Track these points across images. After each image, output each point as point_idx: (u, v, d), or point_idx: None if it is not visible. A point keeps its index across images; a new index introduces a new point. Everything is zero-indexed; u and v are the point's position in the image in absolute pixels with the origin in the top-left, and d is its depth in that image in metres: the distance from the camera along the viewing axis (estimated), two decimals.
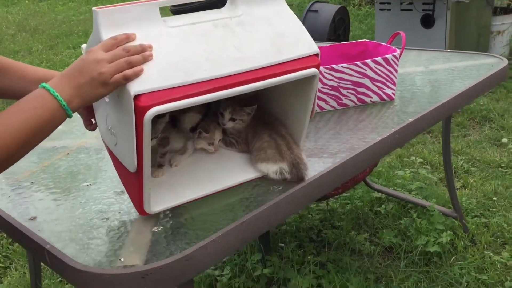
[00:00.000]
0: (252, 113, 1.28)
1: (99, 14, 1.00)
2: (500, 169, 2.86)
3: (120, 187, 1.26)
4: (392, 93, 1.72)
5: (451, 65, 2.04)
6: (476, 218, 2.41)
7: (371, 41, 1.89)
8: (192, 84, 1.00)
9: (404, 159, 3.04)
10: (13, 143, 0.91)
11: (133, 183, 1.12)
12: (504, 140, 3.15)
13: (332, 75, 1.63)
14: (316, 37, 4.86)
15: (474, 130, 3.44)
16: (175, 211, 1.17)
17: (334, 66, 1.62)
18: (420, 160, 2.95)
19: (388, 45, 1.81)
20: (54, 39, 7.26)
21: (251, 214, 1.11)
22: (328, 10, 4.99)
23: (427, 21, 3.96)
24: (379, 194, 2.60)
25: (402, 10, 4.09)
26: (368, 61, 1.64)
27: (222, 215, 1.13)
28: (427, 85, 1.85)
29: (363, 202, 2.56)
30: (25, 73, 1.19)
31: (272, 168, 1.21)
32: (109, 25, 1.00)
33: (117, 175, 1.23)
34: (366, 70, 1.65)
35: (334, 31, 4.97)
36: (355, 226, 2.42)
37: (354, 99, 1.69)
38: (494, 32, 4.59)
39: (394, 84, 1.71)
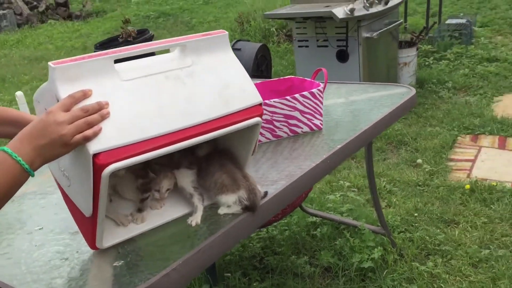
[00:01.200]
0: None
1: (56, 70, 1.03)
2: (418, 187, 3.13)
3: (74, 227, 1.30)
4: (320, 123, 1.89)
5: (368, 95, 2.26)
6: (401, 233, 2.62)
7: (297, 77, 2.07)
8: (147, 140, 1.06)
9: (333, 183, 3.24)
10: None
11: (85, 221, 1.18)
12: (419, 161, 3.46)
13: (266, 110, 1.78)
14: None
15: (392, 153, 3.73)
16: (132, 245, 1.24)
17: (267, 101, 1.77)
18: (348, 183, 3.16)
19: (312, 80, 1.99)
20: None
21: (206, 241, 1.20)
22: (250, 48, 5.23)
23: (342, 56, 4.28)
24: (314, 219, 2.75)
25: (318, 46, 4.40)
26: (296, 95, 1.81)
27: (179, 244, 1.21)
28: (349, 114, 2.04)
29: (300, 227, 2.71)
30: None
31: (231, 198, 1.29)
32: (65, 80, 1.04)
33: (69, 216, 1.27)
34: (295, 104, 1.81)
35: (257, 67, 5.21)
36: (295, 250, 2.55)
37: (287, 130, 1.85)
38: (401, 64, 5.03)
39: (321, 115, 1.88)
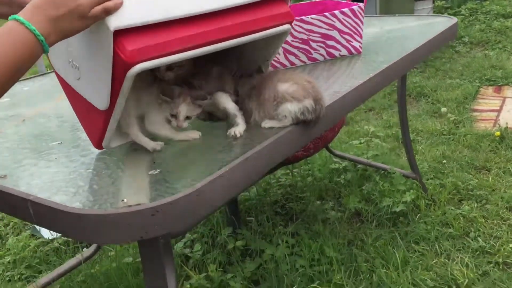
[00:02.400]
0: (203, 105, 1.14)
1: None
2: (443, 136, 2.98)
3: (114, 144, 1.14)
4: (359, 46, 1.71)
5: (405, 24, 2.08)
6: (431, 180, 2.47)
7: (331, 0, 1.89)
8: (177, 39, 0.94)
9: (357, 129, 3.09)
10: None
11: (94, 118, 1.05)
12: (444, 109, 3.29)
13: (302, 27, 1.60)
14: None
15: (411, 105, 3.56)
16: (168, 154, 1.07)
17: (304, 17, 1.59)
18: (372, 129, 3.00)
19: (348, 1, 1.81)
20: None
21: (254, 150, 1.04)
22: None
23: None
24: (337, 165, 2.60)
25: None
26: (336, 12, 1.63)
27: (220, 154, 1.05)
28: (388, 41, 1.86)
29: (323, 173, 2.56)
30: None
31: (294, 108, 1.10)
32: None
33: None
34: (334, 22, 1.63)
35: None
36: (319, 196, 2.40)
37: (324, 52, 1.67)
38: None
39: (360, 36, 1.70)
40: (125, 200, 0.89)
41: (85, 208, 0.87)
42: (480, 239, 2.01)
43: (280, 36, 1.14)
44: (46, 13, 0.85)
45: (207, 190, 0.92)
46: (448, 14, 5.48)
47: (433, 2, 4.97)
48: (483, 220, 2.14)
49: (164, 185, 0.94)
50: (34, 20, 0.84)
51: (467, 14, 5.40)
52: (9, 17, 0.85)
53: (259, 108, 1.16)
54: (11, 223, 2.41)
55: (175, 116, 1.09)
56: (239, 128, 1.13)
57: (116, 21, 0.88)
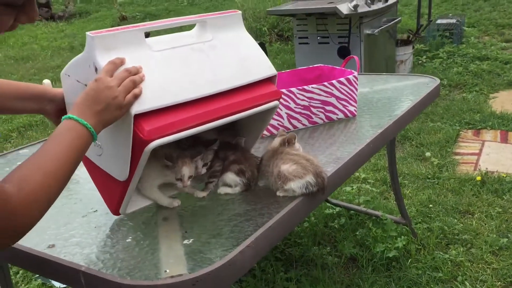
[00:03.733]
0: (215, 147, 1.37)
1: (95, 39, 1.09)
2: (428, 180, 3.16)
3: (129, 210, 1.28)
4: (354, 109, 1.89)
5: (392, 85, 2.27)
6: (419, 224, 2.64)
7: (326, 65, 2.07)
8: (186, 118, 1.12)
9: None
10: (61, 173, 0.94)
11: (112, 188, 1.22)
12: (428, 154, 3.49)
13: (304, 96, 1.77)
14: None
15: (397, 148, 3.75)
16: (197, 224, 1.21)
17: (305, 87, 1.77)
18: (364, 175, 3.17)
19: (343, 68, 2.00)
20: None
21: (275, 219, 1.19)
22: None
23: (343, 53, 4.31)
24: (331, 211, 2.75)
25: (319, 43, 4.42)
26: (334, 81, 1.81)
27: (245, 224, 1.19)
28: (378, 103, 2.05)
29: (318, 219, 2.70)
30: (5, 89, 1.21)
31: (298, 184, 1.26)
32: (102, 48, 1.10)
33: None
34: (332, 90, 1.81)
35: None
36: (315, 241, 2.54)
37: (323, 116, 1.84)
38: (398, 62, 5.10)
39: (355, 101, 1.89)
40: (168, 271, 1.03)
41: (135, 280, 1.00)
42: (467, 283, 2.16)
43: (271, 110, 1.34)
44: (92, 109, 1.02)
45: (237, 259, 1.06)
46: (427, 57, 5.79)
47: (413, 47, 5.25)
48: (469, 264, 2.30)
49: (199, 255, 1.08)
50: (84, 116, 1.01)
51: (445, 57, 5.70)
52: (63, 117, 1.01)
53: (272, 179, 1.33)
54: (20, 272, 2.49)
55: (180, 179, 1.27)
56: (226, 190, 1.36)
57: (135, 107, 1.06)
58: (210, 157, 1.36)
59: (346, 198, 2.89)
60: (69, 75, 1.20)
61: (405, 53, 5.09)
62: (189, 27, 1.28)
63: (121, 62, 1.09)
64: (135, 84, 1.06)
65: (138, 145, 1.08)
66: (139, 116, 1.07)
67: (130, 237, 1.18)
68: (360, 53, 4.26)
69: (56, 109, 1.25)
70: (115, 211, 1.26)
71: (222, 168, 1.38)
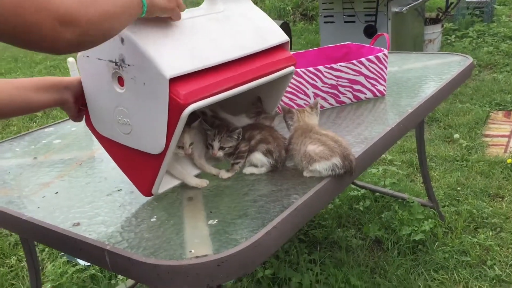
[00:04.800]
0: (240, 136, 1.32)
1: None
2: (456, 162, 3.09)
3: (161, 190, 1.27)
4: (384, 89, 1.83)
5: (423, 63, 2.20)
6: (446, 207, 2.58)
7: (354, 43, 2.01)
8: (218, 81, 1.13)
9: None
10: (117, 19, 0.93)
11: (144, 166, 1.20)
12: (456, 136, 3.40)
13: (332, 74, 1.72)
14: None
15: (424, 130, 3.67)
16: (221, 204, 1.19)
17: (333, 65, 1.71)
18: (390, 157, 3.11)
19: (371, 46, 1.93)
20: None
21: (301, 200, 1.15)
22: None
23: (370, 31, 4.21)
24: (356, 192, 2.71)
25: (345, 22, 4.32)
26: (362, 59, 1.75)
27: (271, 204, 1.16)
28: (408, 82, 1.98)
29: (342, 201, 2.67)
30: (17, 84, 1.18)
31: (324, 166, 1.23)
32: None
33: None
34: (361, 68, 1.75)
35: None
36: (339, 224, 2.51)
37: (351, 96, 1.79)
38: (426, 41, 4.96)
39: (385, 80, 1.83)
40: (193, 251, 1.01)
41: (160, 259, 0.98)
42: (496, 268, 2.11)
43: (287, 77, 1.37)
44: None
45: (263, 241, 1.03)
46: (456, 36, 5.62)
47: (442, 26, 5.11)
48: (499, 249, 2.24)
49: (224, 235, 1.06)
50: None
51: (474, 37, 5.53)
52: None
53: (299, 158, 1.29)
54: (46, 249, 2.53)
55: (211, 145, 1.29)
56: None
57: (169, 71, 1.04)
58: (230, 144, 1.32)
59: (371, 180, 2.84)
60: (88, 56, 1.17)
61: (434, 32, 4.95)
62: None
63: None
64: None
65: (174, 111, 1.06)
66: (173, 81, 1.05)
67: (155, 217, 1.17)
68: (387, 31, 4.15)
69: (74, 97, 1.22)
70: (147, 192, 1.24)
71: (248, 149, 1.35)
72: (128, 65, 1.09)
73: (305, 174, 1.28)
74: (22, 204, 1.30)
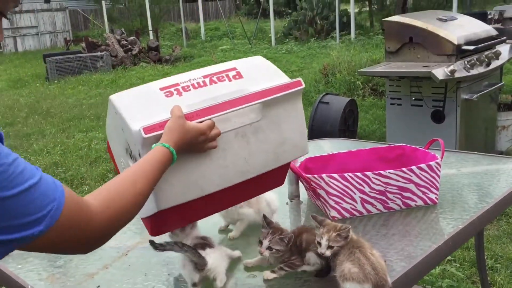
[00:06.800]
0: (290, 242, 1.34)
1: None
2: None
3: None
4: (436, 197, 1.78)
5: (483, 167, 2.12)
6: None
7: (408, 145, 1.98)
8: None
9: None
10: (149, 191, 1.04)
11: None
12: None
13: (380, 180, 1.71)
14: (327, 127, 5.01)
15: (491, 224, 3.47)
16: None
17: (381, 172, 1.70)
18: (449, 257, 2.96)
19: (426, 150, 1.90)
20: (66, 122, 7.41)
21: None
22: (338, 102, 5.20)
23: (438, 117, 4.13)
24: None
25: (412, 105, 4.28)
26: (413, 167, 1.72)
27: None
28: (464, 189, 1.91)
29: None
30: None
31: (355, 287, 1.22)
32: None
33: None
34: (411, 176, 1.72)
35: (344, 121, 5.15)
36: None
37: (400, 202, 1.75)
38: (499, 127, 4.78)
39: (437, 189, 1.78)
40: None
41: None
42: None
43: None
44: (176, 136, 1.14)
45: None
46: None
47: None
48: None
49: None
50: (169, 141, 1.12)
51: None
52: (153, 145, 1.12)
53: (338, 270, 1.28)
54: None
55: (261, 242, 1.35)
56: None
57: (161, 204, 1.23)
58: (278, 247, 1.34)
59: (428, 279, 2.70)
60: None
61: (508, 119, 4.77)
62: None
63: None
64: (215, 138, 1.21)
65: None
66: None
67: None
68: (456, 118, 4.06)
69: None
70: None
71: (302, 263, 1.37)
72: None
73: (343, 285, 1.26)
74: None
